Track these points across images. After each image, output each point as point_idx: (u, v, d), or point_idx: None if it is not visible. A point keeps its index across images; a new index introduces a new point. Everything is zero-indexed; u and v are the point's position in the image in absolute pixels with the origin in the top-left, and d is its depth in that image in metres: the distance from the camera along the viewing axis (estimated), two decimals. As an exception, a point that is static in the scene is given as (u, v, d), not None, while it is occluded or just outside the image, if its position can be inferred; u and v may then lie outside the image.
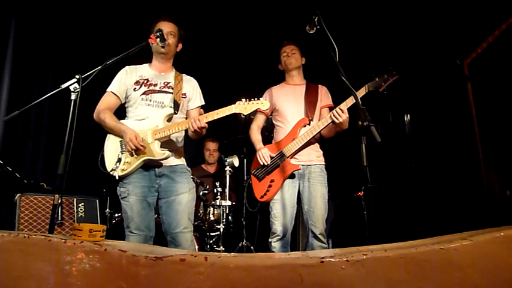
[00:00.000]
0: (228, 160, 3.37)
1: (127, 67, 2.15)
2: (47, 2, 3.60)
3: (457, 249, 0.89)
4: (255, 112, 2.57)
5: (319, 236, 2.22)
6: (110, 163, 2.00)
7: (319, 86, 2.53)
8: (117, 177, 1.96)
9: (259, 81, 2.99)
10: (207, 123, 1.92)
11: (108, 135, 2.07)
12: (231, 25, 4.09)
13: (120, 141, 2.01)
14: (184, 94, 2.15)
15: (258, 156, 2.36)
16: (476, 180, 2.90)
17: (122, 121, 2.05)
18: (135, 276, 0.93)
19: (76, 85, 1.71)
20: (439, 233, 1.18)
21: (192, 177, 3.26)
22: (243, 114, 1.95)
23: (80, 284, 0.93)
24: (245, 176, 3.73)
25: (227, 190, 3.35)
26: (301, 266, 0.88)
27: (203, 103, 2.24)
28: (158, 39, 2.00)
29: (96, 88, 2.12)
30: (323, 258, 0.88)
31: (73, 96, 1.70)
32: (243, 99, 1.93)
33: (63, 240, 0.99)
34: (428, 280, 0.86)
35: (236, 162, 3.40)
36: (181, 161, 2.13)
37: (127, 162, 1.96)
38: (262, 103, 1.94)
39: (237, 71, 4.54)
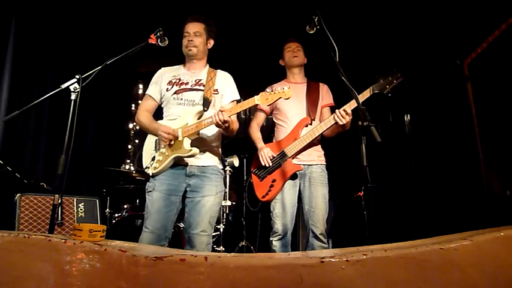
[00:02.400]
0: (228, 160, 3.37)
1: (162, 68, 2.19)
2: (47, 2, 3.60)
3: (457, 249, 0.89)
4: (254, 110, 2.58)
5: (320, 236, 2.22)
6: (146, 161, 2.07)
7: (320, 84, 2.52)
8: (150, 175, 2.02)
9: (258, 80, 2.99)
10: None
11: (148, 135, 2.14)
12: (231, 24, 4.09)
13: (155, 140, 2.06)
14: (216, 90, 2.12)
15: (260, 156, 2.34)
16: (476, 180, 2.90)
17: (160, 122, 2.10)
18: (135, 276, 0.93)
19: (76, 85, 1.71)
20: (439, 233, 1.18)
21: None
22: (266, 105, 1.97)
23: (80, 284, 0.93)
24: (245, 176, 3.73)
25: (227, 190, 3.35)
26: (301, 266, 0.88)
27: (238, 97, 2.18)
28: (158, 40, 2.01)
29: (96, 88, 2.12)
30: (323, 258, 0.88)
31: (73, 96, 1.70)
32: (267, 90, 1.91)
33: (63, 240, 0.99)
34: (428, 280, 0.86)
35: (236, 162, 3.40)
36: (214, 162, 2.08)
37: (159, 160, 1.99)
38: (285, 92, 1.86)
39: (235, 69, 4.53)
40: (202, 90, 2.08)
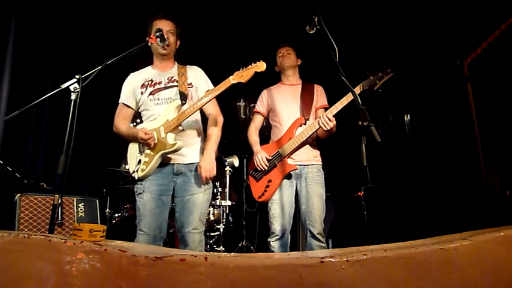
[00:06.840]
0: (228, 160, 3.37)
1: (131, 74, 2.18)
2: (47, 2, 3.60)
3: (457, 249, 0.89)
4: (253, 113, 2.59)
5: (318, 236, 2.22)
6: (132, 165, 2.06)
7: (315, 85, 2.54)
8: (138, 178, 2.00)
9: (256, 82, 2.99)
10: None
11: None
12: (229, 25, 4.09)
13: (139, 143, 2.06)
14: (190, 84, 2.13)
15: (255, 161, 2.37)
16: (476, 180, 2.90)
17: (138, 126, 2.10)
18: (135, 276, 0.93)
19: (76, 85, 1.71)
20: (439, 233, 1.18)
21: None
22: (244, 81, 1.90)
23: (80, 284, 0.93)
24: (245, 176, 3.73)
25: (227, 190, 3.35)
26: (301, 266, 0.88)
27: (212, 87, 2.16)
28: (158, 39, 2.00)
29: (96, 88, 2.12)
30: (323, 258, 0.88)
31: (73, 96, 1.70)
32: (241, 69, 1.90)
33: (63, 240, 0.99)
34: (428, 280, 0.86)
35: (236, 162, 3.40)
36: (199, 159, 2.08)
37: (145, 162, 1.99)
38: (258, 65, 1.88)
39: (234, 71, 4.54)
40: (177, 86, 2.09)
